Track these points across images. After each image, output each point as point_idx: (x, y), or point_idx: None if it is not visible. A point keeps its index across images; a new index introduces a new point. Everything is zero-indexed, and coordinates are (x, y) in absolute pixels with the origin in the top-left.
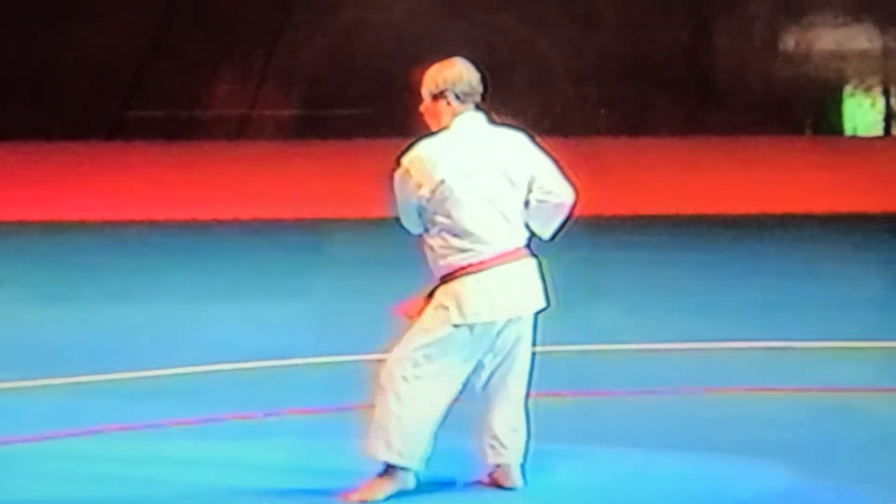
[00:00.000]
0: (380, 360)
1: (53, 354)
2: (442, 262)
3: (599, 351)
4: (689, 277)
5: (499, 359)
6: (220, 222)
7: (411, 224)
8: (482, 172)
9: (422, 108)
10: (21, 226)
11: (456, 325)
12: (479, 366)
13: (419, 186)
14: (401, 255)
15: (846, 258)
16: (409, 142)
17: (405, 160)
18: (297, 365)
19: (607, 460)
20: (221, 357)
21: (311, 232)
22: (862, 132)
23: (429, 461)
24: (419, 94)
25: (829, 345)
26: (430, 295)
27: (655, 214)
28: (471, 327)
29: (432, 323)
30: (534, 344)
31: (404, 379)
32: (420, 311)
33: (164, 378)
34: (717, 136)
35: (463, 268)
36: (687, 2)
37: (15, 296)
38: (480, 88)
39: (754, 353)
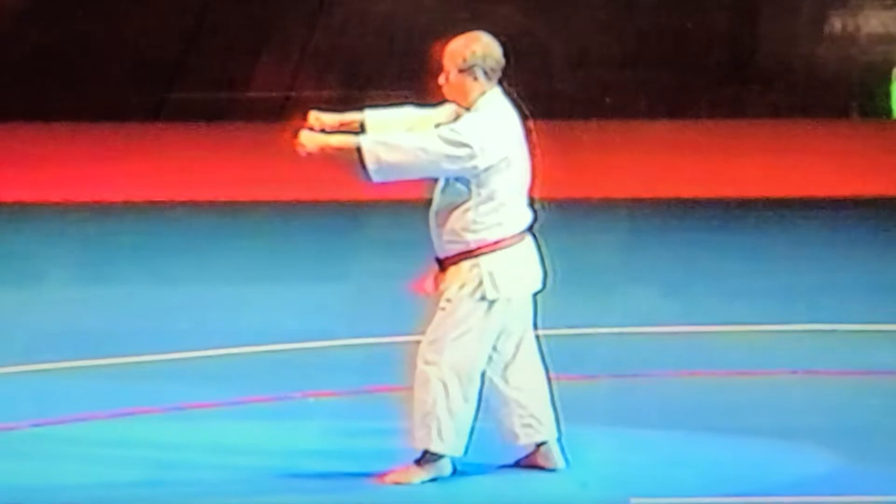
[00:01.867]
0: (415, 343)
1: (94, 336)
2: (472, 237)
3: (638, 333)
4: (729, 260)
5: (516, 337)
6: (259, 203)
7: (436, 170)
8: (519, 150)
9: (443, 82)
10: (62, 207)
11: (491, 301)
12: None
13: (472, 158)
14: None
15: (891, 242)
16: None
17: (467, 131)
18: (333, 347)
19: (645, 443)
20: (259, 339)
21: (349, 214)
22: None
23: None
24: (440, 67)
25: (873, 328)
26: (443, 269)
27: (696, 197)
28: (504, 302)
29: (464, 307)
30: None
31: (448, 367)
32: (436, 285)
33: (202, 360)
34: (760, 120)
35: (497, 241)
36: None
37: (56, 277)
38: (503, 63)
39: (796, 336)
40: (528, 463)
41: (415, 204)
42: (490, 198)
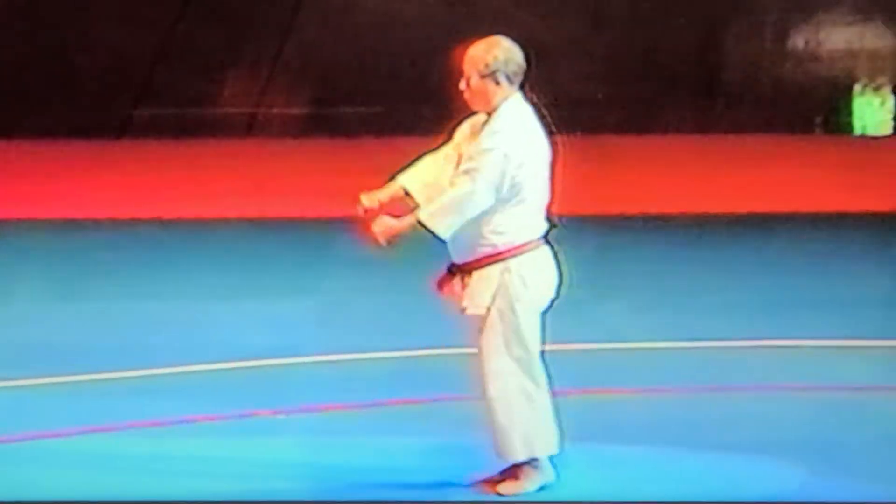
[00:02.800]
0: (388, 359)
1: (62, 352)
2: (500, 239)
3: (608, 349)
4: (698, 276)
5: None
6: (229, 220)
7: (489, 199)
8: (541, 154)
9: (463, 87)
10: (32, 223)
11: (523, 301)
12: None
13: (506, 161)
14: (409, 254)
15: (855, 257)
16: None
17: (499, 142)
18: (304, 363)
19: (616, 458)
20: (230, 355)
21: (320, 230)
22: (871, 131)
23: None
24: (460, 72)
25: (839, 343)
26: (461, 274)
27: (664, 213)
28: (531, 303)
29: (506, 310)
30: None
31: (519, 371)
32: (448, 285)
33: (174, 376)
34: (725, 135)
35: (524, 244)
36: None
37: (27, 294)
38: (525, 67)
39: (764, 352)
40: (509, 476)
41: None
42: (519, 199)
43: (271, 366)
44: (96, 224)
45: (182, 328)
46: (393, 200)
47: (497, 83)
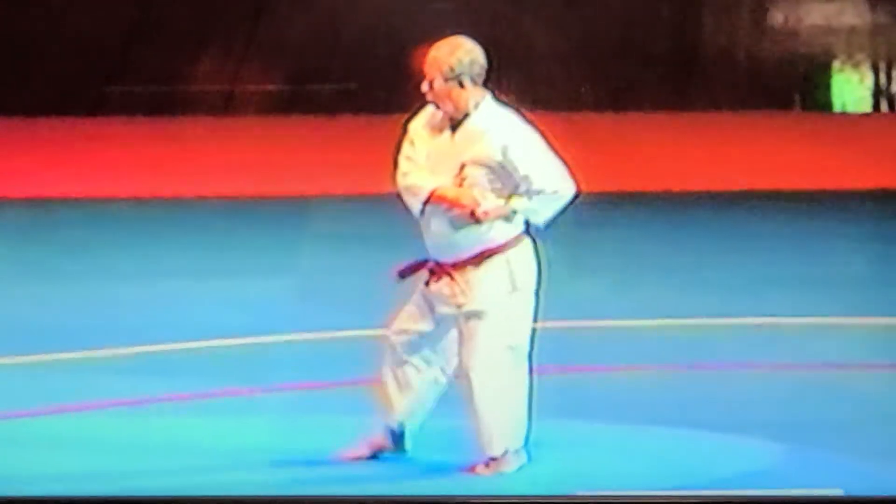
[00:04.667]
0: (364, 337)
1: (36, 331)
2: (499, 233)
3: (585, 327)
4: (674, 254)
5: None
6: (204, 198)
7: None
8: None
9: (426, 89)
10: (3, 202)
11: (522, 291)
12: None
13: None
14: (385, 231)
15: (833, 234)
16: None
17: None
18: (280, 342)
19: (592, 436)
20: (207, 333)
21: (295, 208)
22: (850, 108)
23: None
24: (421, 75)
25: (816, 321)
26: (436, 272)
27: (641, 191)
28: (528, 293)
29: (509, 302)
30: None
31: (524, 364)
32: (410, 273)
33: (149, 355)
34: (703, 112)
35: (517, 236)
36: None
37: None
38: (487, 67)
39: (740, 329)
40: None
41: (361, 199)
42: (518, 190)
43: (248, 344)
44: (70, 202)
45: (159, 307)
46: None
47: (461, 85)
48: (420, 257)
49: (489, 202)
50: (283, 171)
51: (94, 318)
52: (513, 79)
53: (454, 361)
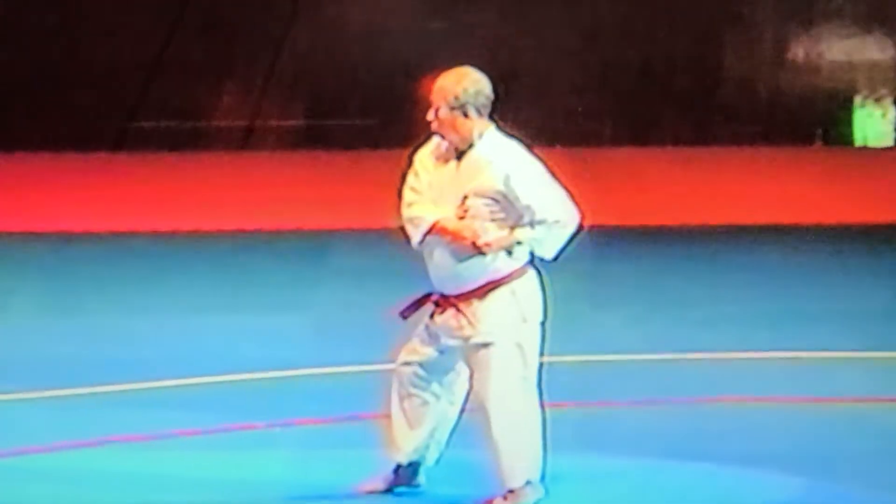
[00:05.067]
0: (382, 372)
1: (58, 366)
2: (505, 264)
3: (603, 361)
4: (694, 288)
5: None
6: (223, 233)
7: None
8: None
9: (433, 118)
10: (27, 237)
11: (542, 323)
12: None
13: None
14: (403, 266)
15: (854, 269)
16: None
17: (534, 163)
18: (299, 376)
19: (610, 471)
20: (225, 368)
21: (314, 243)
22: (872, 143)
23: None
24: (428, 104)
25: (836, 355)
26: (441, 305)
27: (661, 225)
28: (537, 324)
29: (518, 335)
30: None
31: (534, 398)
32: (413, 311)
33: (168, 389)
34: (724, 147)
35: (523, 267)
36: (692, 11)
37: (20, 307)
38: (493, 98)
39: (760, 364)
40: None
41: (378, 233)
42: (521, 221)
43: (265, 379)
44: (92, 237)
45: (177, 341)
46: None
47: (466, 115)
48: (421, 292)
49: (491, 234)
50: (302, 205)
51: (111, 352)
52: (532, 113)
53: (461, 394)
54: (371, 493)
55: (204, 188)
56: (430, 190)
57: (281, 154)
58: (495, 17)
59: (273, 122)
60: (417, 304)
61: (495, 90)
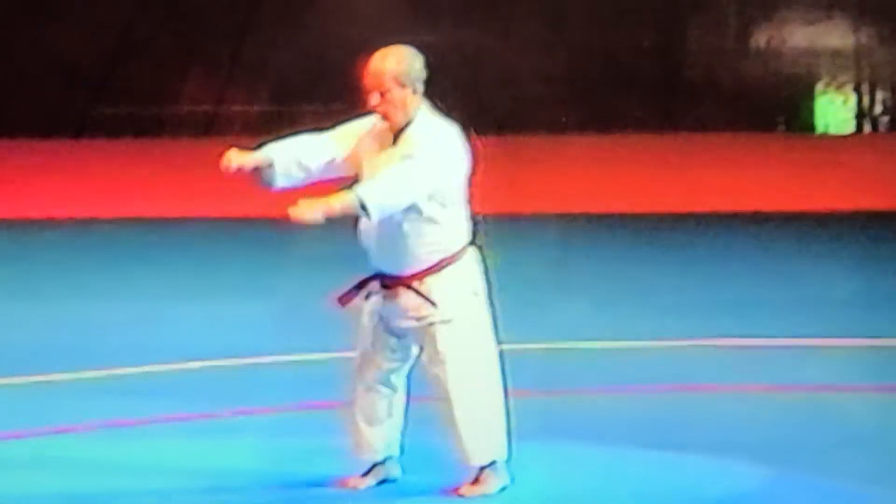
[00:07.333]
0: (346, 359)
1: (19, 352)
2: (453, 244)
3: (569, 349)
4: (659, 275)
5: None
6: (187, 219)
7: (407, 202)
8: (468, 155)
9: (378, 101)
10: None
11: (481, 298)
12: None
13: (454, 167)
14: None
15: (817, 256)
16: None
17: (441, 144)
18: (263, 363)
19: (576, 459)
20: (188, 355)
21: (277, 230)
22: (834, 130)
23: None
24: (366, 88)
25: (800, 342)
26: (362, 285)
27: (625, 212)
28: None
29: (473, 310)
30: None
31: (496, 372)
32: (352, 297)
33: (131, 376)
34: (687, 134)
35: (470, 244)
36: None
37: None
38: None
39: (725, 351)
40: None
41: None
42: (465, 202)
43: (229, 366)
44: (54, 223)
45: (140, 328)
46: (257, 168)
47: (414, 91)
48: (356, 278)
49: (305, 206)
50: (266, 192)
51: (74, 339)
52: (500, 102)
53: (403, 376)
54: (353, 488)
55: (168, 174)
56: (368, 168)
57: (246, 140)
58: (462, 4)
59: (238, 108)
60: (357, 288)
61: (462, 77)
